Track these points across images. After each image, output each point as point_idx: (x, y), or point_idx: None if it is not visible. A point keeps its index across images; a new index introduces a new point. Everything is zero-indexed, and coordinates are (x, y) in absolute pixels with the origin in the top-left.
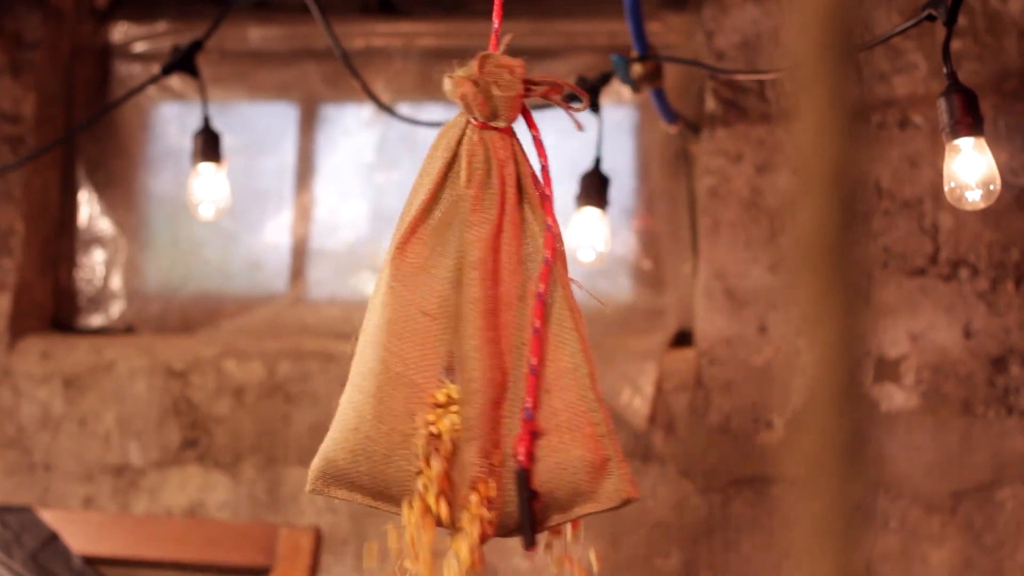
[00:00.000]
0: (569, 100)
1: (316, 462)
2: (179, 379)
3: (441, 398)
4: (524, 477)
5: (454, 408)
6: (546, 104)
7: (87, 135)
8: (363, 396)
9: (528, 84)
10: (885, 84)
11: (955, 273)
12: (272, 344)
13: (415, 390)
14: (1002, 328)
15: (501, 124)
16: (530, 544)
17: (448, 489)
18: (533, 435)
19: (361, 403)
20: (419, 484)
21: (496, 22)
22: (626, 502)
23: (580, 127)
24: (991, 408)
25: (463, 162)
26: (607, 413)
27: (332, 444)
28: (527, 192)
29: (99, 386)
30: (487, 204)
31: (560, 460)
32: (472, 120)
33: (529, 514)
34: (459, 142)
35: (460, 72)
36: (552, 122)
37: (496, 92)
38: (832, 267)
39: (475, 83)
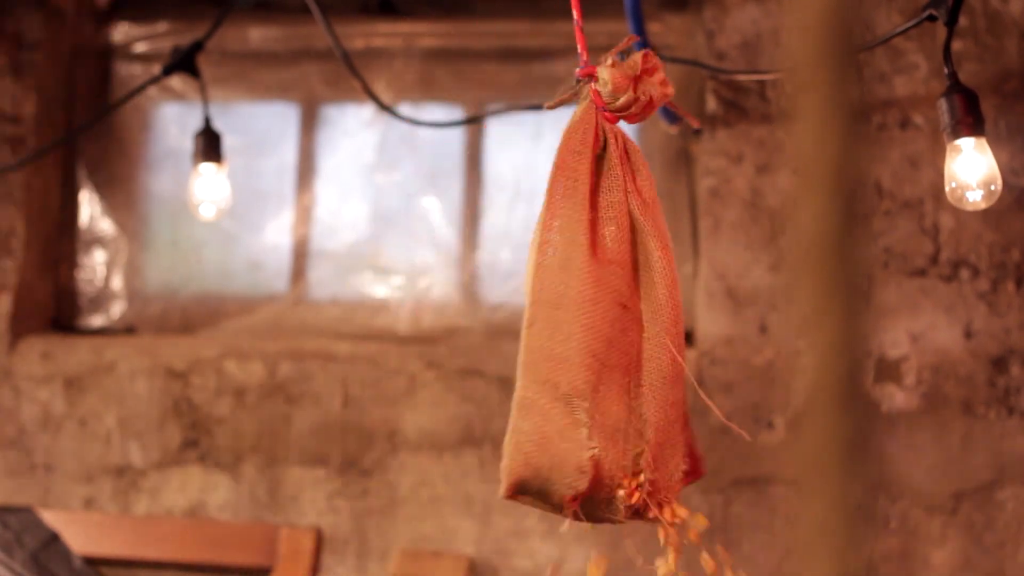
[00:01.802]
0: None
1: (511, 475)
2: (180, 380)
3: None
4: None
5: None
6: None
7: (88, 136)
8: (582, 393)
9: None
10: (886, 84)
11: (956, 273)
12: (273, 344)
13: (623, 382)
14: (1003, 328)
15: (629, 119)
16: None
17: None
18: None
19: (580, 397)
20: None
21: (578, 18)
22: (695, 480)
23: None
24: (992, 409)
25: (612, 154)
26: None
27: (523, 456)
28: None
29: (100, 387)
30: (648, 188)
31: (669, 448)
32: (604, 111)
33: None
34: (596, 135)
35: (624, 67)
36: (553, 122)
37: (648, 91)
38: (833, 267)
39: (635, 79)
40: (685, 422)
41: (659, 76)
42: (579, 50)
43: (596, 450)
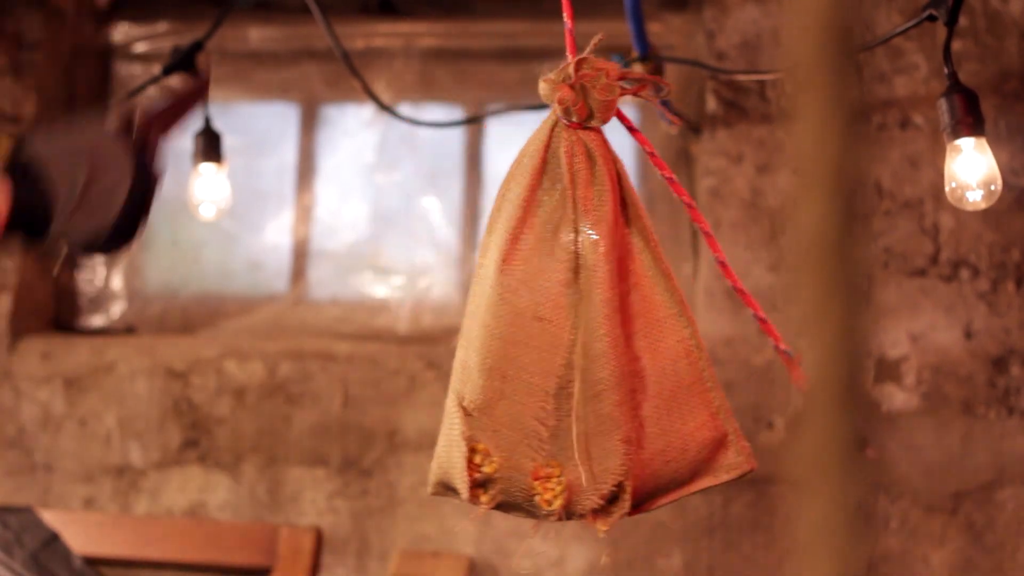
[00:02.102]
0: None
1: (433, 475)
2: (180, 380)
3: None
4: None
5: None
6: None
7: None
8: (479, 406)
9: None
10: (886, 84)
11: (956, 274)
12: (273, 344)
13: (533, 392)
14: (1003, 329)
15: (595, 124)
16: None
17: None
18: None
19: (478, 411)
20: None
21: (568, 22)
22: (744, 474)
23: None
24: (992, 409)
25: (563, 163)
26: (720, 389)
27: (445, 458)
28: (627, 189)
29: (100, 387)
30: (598, 202)
31: (674, 439)
32: (565, 122)
33: None
34: (548, 145)
35: (554, 75)
36: None
37: (595, 95)
38: (833, 267)
39: (572, 87)
40: (642, 435)
41: (602, 82)
42: (567, 54)
43: (481, 459)
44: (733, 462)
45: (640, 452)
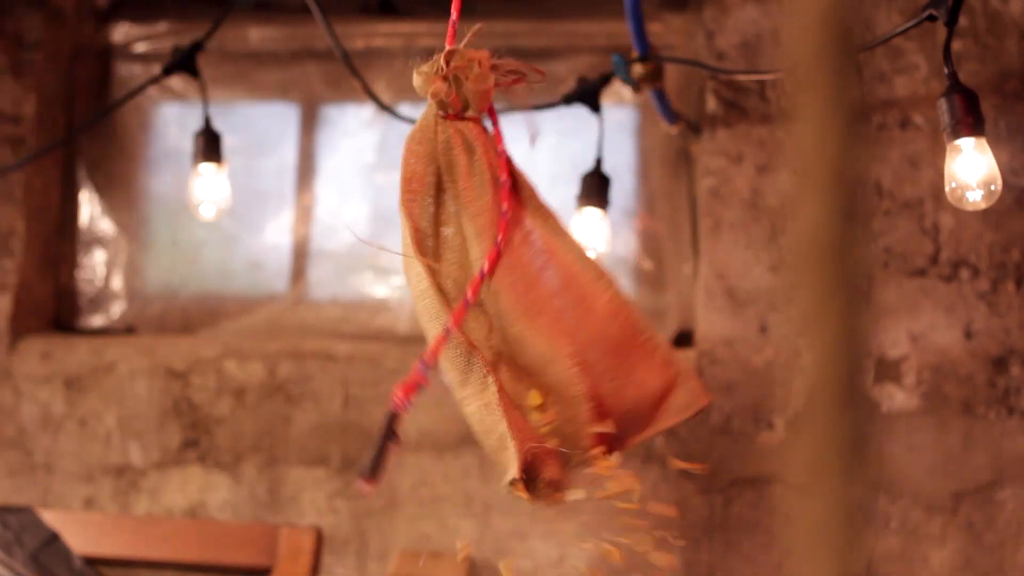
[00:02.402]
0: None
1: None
2: (180, 380)
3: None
4: (392, 419)
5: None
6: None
7: (88, 136)
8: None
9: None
10: (886, 84)
11: (956, 274)
12: (273, 344)
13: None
14: (1003, 329)
15: (472, 115)
16: (368, 478)
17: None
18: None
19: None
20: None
21: (454, 14)
22: (700, 411)
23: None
24: (992, 409)
25: (441, 158)
26: (658, 336)
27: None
28: (515, 172)
29: (100, 387)
30: (478, 192)
31: (621, 384)
32: (441, 114)
33: (380, 454)
34: (433, 137)
35: (426, 68)
36: (553, 123)
37: (469, 86)
38: (833, 267)
39: (445, 78)
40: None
41: (475, 72)
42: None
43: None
44: (684, 402)
45: (601, 410)
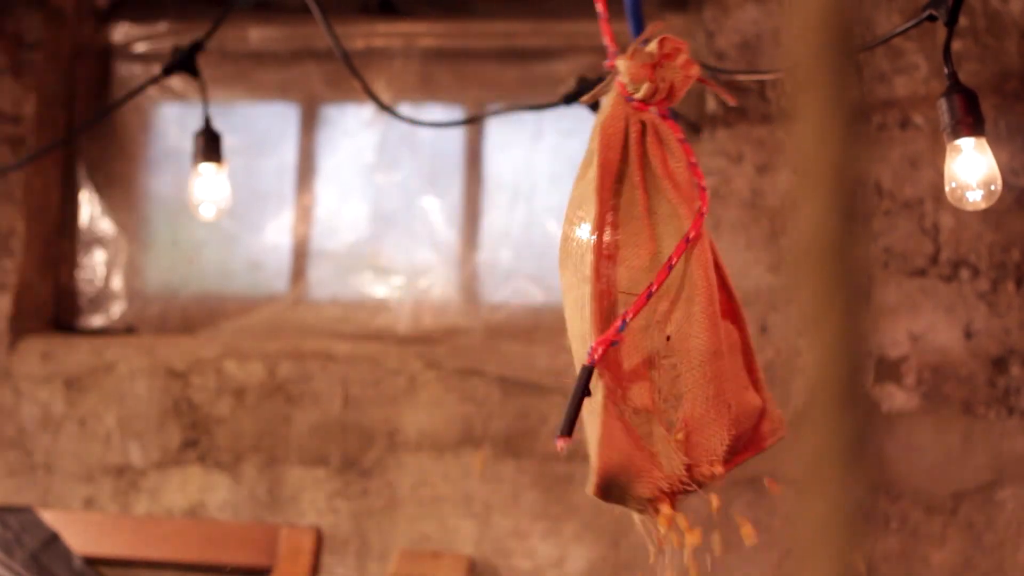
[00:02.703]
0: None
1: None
2: (180, 380)
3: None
4: (587, 374)
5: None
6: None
7: (88, 136)
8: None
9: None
10: (886, 85)
11: (956, 274)
12: (273, 344)
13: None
14: (1003, 329)
15: (663, 104)
16: (564, 435)
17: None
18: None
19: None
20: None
21: (601, 9)
22: (779, 439)
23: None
24: (992, 409)
25: (633, 148)
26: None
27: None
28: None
29: (100, 387)
30: (681, 179)
31: (740, 401)
32: (634, 101)
33: (575, 410)
34: (626, 127)
35: (639, 54)
36: (553, 123)
37: (675, 76)
38: (833, 267)
39: (654, 67)
40: (731, 394)
41: (681, 59)
42: (607, 43)
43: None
44: (770, 429)
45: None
